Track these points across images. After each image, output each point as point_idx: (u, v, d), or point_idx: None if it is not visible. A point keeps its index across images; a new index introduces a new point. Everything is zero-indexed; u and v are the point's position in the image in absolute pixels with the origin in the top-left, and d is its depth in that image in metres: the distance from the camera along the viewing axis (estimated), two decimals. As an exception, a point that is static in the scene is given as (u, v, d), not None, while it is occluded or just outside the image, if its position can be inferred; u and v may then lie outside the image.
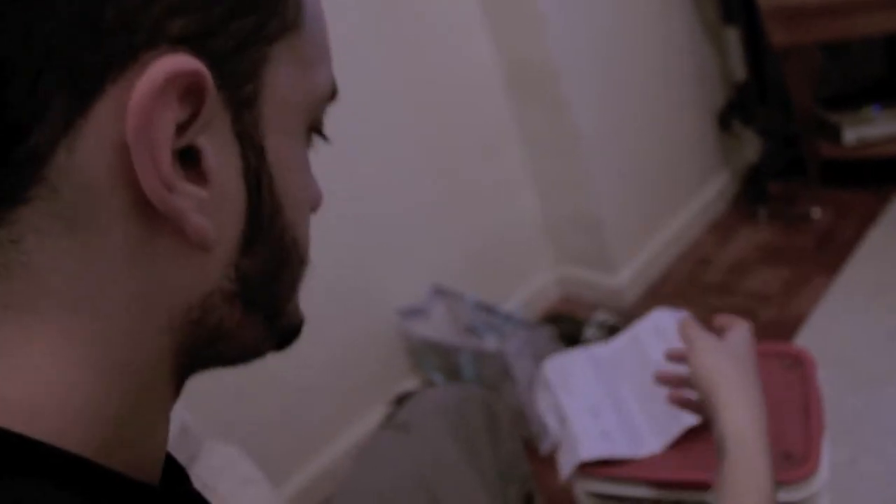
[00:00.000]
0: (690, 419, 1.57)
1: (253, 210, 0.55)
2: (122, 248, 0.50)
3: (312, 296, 0.71)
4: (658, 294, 3.42)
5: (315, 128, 0.61)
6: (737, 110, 3.81)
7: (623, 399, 1.71)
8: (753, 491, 1.02)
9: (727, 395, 1.13)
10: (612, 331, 3.01)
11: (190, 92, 0.49)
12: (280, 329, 0.63)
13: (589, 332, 3.08)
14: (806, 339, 2.91)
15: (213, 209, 0.52)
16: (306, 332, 0.66)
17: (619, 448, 1.61)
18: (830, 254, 3.36)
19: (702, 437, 1.58)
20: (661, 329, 1.74)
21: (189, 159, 0.50)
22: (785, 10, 3.37)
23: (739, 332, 1.28)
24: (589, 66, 3.20)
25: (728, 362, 1.19)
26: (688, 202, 3.74)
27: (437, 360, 2.91)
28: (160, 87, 0.47)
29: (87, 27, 0.45)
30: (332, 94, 0.61)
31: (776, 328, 2.98)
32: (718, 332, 1.31)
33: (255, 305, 0.58)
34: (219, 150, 0.51)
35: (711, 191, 3.84)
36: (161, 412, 0.56)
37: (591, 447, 1.62)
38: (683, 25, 3.64)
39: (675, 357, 1.35)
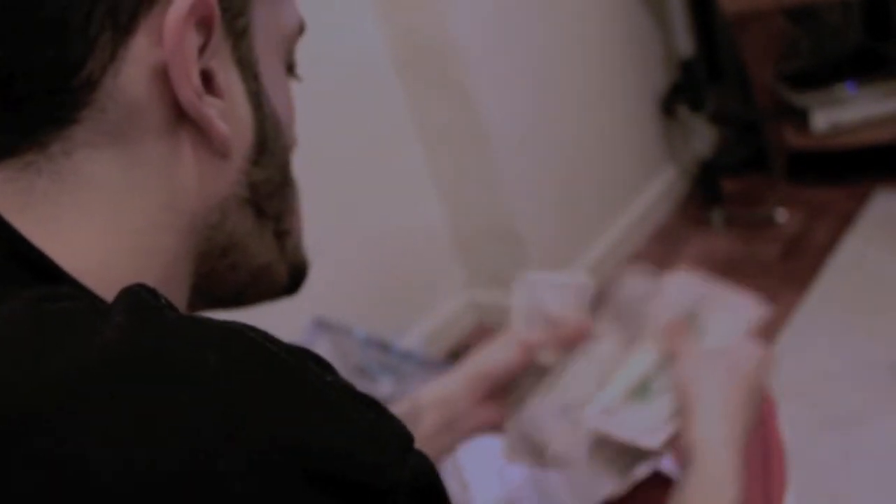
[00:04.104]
0: (617, 483, 1.55)
1: (259, 125, 0.79)
2: (157, 156, 0.72)
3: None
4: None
5: (290, 67, 0.86)
6: (683, 93, 3.83)
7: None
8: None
9: (701, 402, 1.20)
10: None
11: (203, 23, 0.71)
12: (289, 257, 0.86)
13: (508, 370, 3.06)
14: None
15: (230, 119, 0.75)
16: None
17: (528, 518, 1.59)
18: (799, 265, 3.38)
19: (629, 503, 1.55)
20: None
21: (206, 81, 0.73)
22: (738, -33, 3.41)
23: (751, 349, 1.30)
24: (498, 42, 3.19)
25: (714, 372, 1.23)
26: (626, 206, 3.76)
27: (320, 409, 2.88)
28: (186, 13, 0.69)
29: None
30: (301, 30, 0.86)
31: (735, 358, 2.97)
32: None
33: (265, 215, 0.82)
34: (226, 73, 0.75)
35: (654, 192, 3.87)
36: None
37: (494, 518, 1.60)
38: (616, -9, 3.66)
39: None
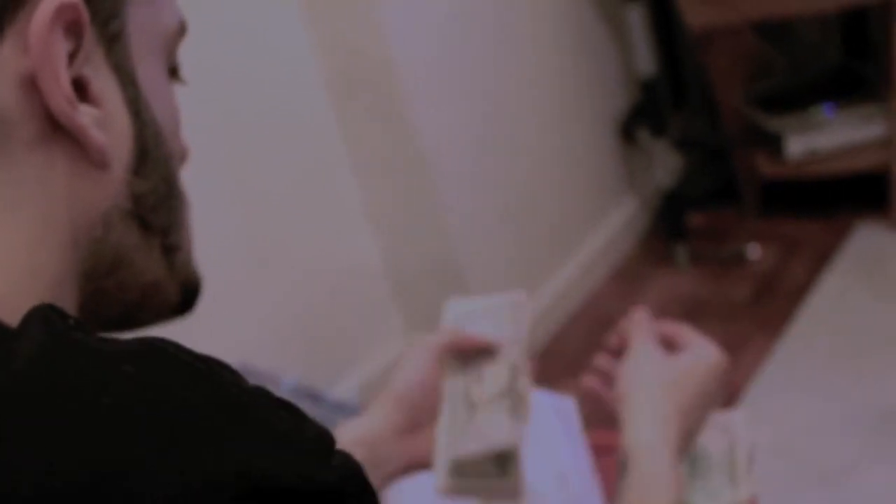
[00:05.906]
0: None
1: (138, 133, 0.80)
2: (31, 169, 0.73)
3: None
4: (543, 368, 3.32)
5: (173, 70, 0.88)
6: (644, 116, 3.83)
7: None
8: None
9: (638, 407, 1.25)
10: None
11: (71, 27, 0.72)
12: (180, 274, 0.87)
13: (451, 424, 3.04)
14: (741, 423, 2.92)
15: (107, 127, 0.76)
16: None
17: None
18: (773, 306, 3.39)
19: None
20: (536, 425, 1.70)
21: (79, 90, 0.74)
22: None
23: (699, 353, 1.33)
24: (441, 62, 3.19)
25: (657, 377, 1.28)
26: (581, 242, 3.75)
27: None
28: (52, 18, 0.70)
29: None
30: (182, 30, 0.87)
31: (702, 409, 2.97)
32: (670, 345, 1.37)
33: (151, 229, 0.82)
34: (101, 80, 0.76)
35: (613, 226, 3.87)
36: None
37: None
38: (571, 6, 3.65)
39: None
